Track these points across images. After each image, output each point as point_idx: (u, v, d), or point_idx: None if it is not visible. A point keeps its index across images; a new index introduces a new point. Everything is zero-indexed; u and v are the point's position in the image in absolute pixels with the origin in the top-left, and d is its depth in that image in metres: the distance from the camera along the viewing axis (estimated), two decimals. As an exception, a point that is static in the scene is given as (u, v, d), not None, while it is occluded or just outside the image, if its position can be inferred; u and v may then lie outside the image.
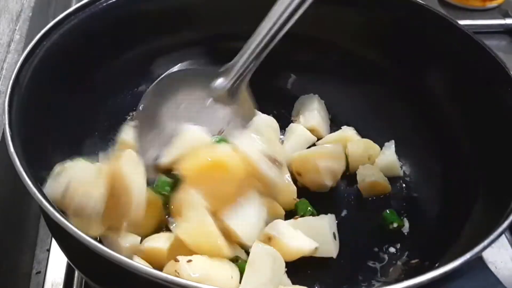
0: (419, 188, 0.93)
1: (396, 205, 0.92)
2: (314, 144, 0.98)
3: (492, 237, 0.63)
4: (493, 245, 0.63)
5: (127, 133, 0.87)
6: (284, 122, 1.01)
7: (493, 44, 1.26)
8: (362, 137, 0.98)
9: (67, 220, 0.60)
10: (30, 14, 1.09)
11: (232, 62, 0.84)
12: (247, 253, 0.75)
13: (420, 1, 0.92)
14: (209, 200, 0.72)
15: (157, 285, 0.56)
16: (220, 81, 0.84)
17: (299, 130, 0.97)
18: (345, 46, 0.99)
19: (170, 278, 0.56)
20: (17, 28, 1.04)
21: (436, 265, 0.70)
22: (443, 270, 0.59)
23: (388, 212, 0.88)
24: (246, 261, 0.73)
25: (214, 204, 0.73)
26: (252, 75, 0.92)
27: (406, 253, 0.85)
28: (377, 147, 0.96)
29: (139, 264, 0.57)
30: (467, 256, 0.61)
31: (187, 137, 0.82)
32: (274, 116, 1.00)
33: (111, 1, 0.89)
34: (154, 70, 1.01)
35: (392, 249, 0.85)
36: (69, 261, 0.81)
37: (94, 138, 0.92)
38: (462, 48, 0.87)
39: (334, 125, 1.03)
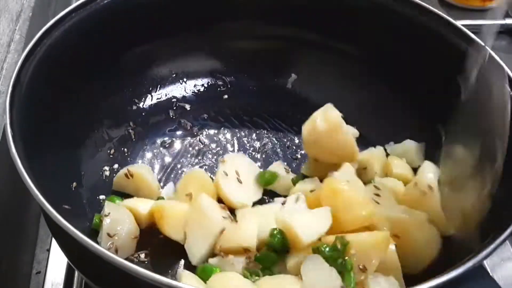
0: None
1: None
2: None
3: (495, 244, 0.63)
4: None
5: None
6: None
7: (493, 44, 1.26)
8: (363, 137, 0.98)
9: (67, 221, 0.60)
10: (30, 14, 1.09)
11: None
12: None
13: (419, 1, 0.92)
14: None
15: (155, 287, 0.56)
16: None
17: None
18: (344, 47, 1.00)
19: (167, 282, 0.56)
20: (17, 28, 1.04)
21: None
22: (445, 278, 0.59)
23: None
24: None
25: None
26: (253, 74, 0.93)
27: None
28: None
29: (138, 266, 0.57)
30: (469, 264, 0.60)
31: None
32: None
33: (111, -1, 0.89)
34: (154, 68, 1.01)
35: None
36: (69, 261, 0.81)
37: (94, 137, 0.92)
38: (461, 48, 0.87)
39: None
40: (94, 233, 0.80)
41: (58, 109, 0.82)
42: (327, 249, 0.72)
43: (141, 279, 0.56)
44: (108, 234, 0.77)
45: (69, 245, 0.70)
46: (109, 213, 0.79)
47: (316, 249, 0.73)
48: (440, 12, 0.91)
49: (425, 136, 0.94)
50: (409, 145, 0.94)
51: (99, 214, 0.81)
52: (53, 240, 0.89)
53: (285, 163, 0.95)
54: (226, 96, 1.05)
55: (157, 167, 0.95)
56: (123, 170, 0.88)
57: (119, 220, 0.79)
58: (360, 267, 0.71)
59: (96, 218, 0.80)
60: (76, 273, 0.85)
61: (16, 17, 1.05)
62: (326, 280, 0.69)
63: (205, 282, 0.73)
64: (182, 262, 0.80)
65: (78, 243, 0.59)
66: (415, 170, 0.88)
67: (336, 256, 0.72)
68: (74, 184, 0.84)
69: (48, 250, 0.89)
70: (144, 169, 0.89)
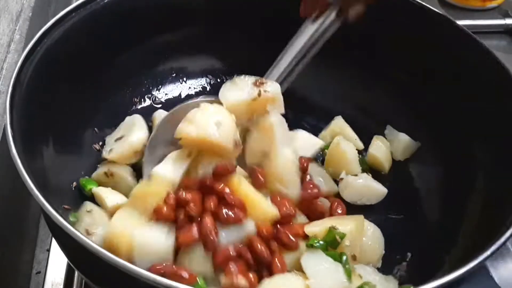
0: (421, 189, 0.93)
1: (397, 208, 0.91)
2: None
3: (496, 245, 0.63)
4: (492, 245, 0.63)
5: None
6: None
7: (493, 44, 1.27)
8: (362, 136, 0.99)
9: (67, 221, 0.60)
10: (30, 14, 1.09)
11: None
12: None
13: (419, 1, 0.92)
14: None
15: (154, 287, 0.56)
16: None
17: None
18: (342, 47, 0.99)
19: (166, 282, 0.56)
20: (17, 28, 1.04)
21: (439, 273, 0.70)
22: (446, 279, 0.59)
23: None
24: None
25: None
26: (253, 74, 0.93)
27: (407, 259, 0.84)
28: None
29: (137, 267, 0.57)
30: (471, 265, 0.61)
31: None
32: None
33: (111, -2, 0.89)
34: (154, 68, 1.02)
35: (392, 256, 0.84)
36: (68, 261, 0.81)
37: (94, 137, 0.92)
38: (461, 48, 0.87)
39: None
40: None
41: (58, 109, 0.82)
42: (321, 243, 0.73)
43: (140, 279, 0.56)
44: (87, 231, 0.76)
45: (69, 245, 0.70)
46: (91, 210, 0.79)
47: (310, 245, 0.73)
48: (440, 12, 0.91)
49: (423, 137, 0.94)
50: (402, 137, 0.96)
51: (75, 213, 0.79)
52: (53, 240, 0.89)
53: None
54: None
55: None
56: (103, 169, 0.86)
57: (97, 219, 0.78)
58: (352, 255, 0.74)
59: (71, 217, 0.78)
60: (76, 273, 0.85)
61: (16, 17, 1.05)
62: (333, 276, 0.70)
63: None
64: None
65: (77, 243, 0.59)
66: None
67: (333, 251, 0.73)
68: (74, 184, 0.84)
69: (48, 250, 0.89)
70: (124, 170, 0.87)
